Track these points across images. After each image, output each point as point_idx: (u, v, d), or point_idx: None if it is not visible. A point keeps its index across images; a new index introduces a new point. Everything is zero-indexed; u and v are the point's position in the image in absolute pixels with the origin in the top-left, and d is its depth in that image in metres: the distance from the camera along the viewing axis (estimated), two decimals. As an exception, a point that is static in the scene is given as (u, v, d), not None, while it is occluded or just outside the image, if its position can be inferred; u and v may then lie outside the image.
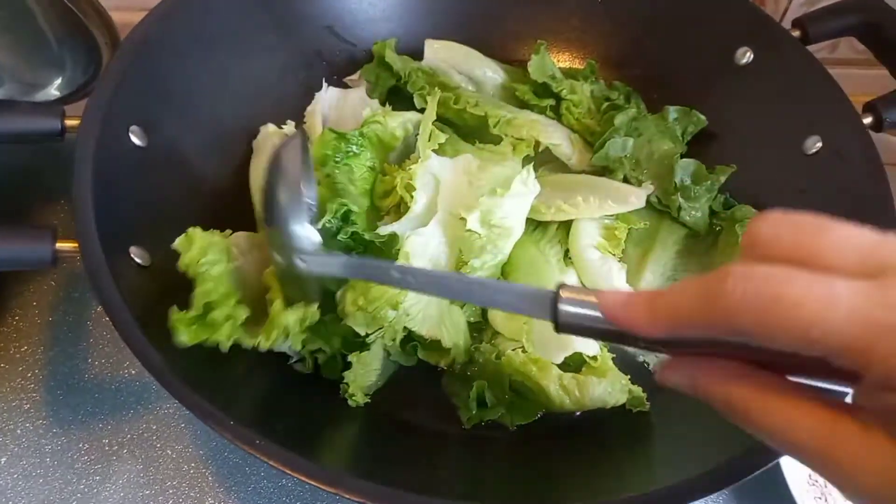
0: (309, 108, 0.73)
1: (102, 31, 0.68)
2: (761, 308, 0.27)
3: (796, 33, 0.70)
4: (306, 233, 0.49)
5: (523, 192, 0.64)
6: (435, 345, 0.60)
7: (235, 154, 0.66)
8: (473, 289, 0.43)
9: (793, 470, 0.63)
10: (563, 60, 0.83)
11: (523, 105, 0.75)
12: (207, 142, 0.67)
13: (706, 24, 0.75)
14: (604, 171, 0.72)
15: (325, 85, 0.74)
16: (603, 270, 0.66)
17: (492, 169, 0.65)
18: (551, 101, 0.75)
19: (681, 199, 0.69)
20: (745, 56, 0.72)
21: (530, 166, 0.66)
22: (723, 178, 0.70)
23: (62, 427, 0.65)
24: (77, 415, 0.66)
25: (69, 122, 0.57)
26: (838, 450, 0.28)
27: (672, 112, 0.73)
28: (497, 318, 0.64)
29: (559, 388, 0.58)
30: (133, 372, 0.69)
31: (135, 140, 0.58)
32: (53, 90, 0.76)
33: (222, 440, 0.65)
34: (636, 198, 0.67)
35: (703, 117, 0.74)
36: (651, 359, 0.65)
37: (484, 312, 0.65)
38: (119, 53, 0.60)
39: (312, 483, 0.43)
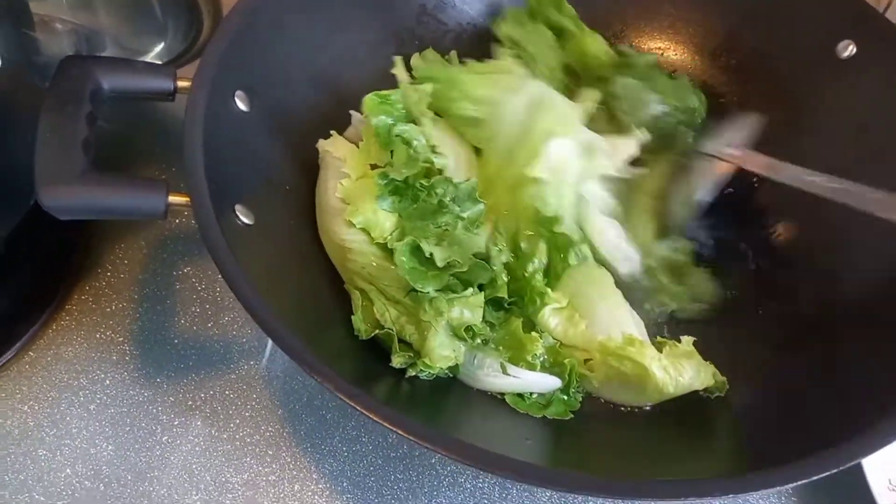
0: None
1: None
2: None
3: (902, 27, 0.69)
4: None
5: None
6: None
7: (330, 124, 0.67)
8: None
9: (875, 474, 0.62)
10: (654, 49, 0.82)
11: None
12: (304, 111, 0.68)
13: (806, 15, 0.73)
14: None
15: None
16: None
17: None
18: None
19: None
20: (848, 49, 0.70)
21: None
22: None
23: (148, 380, 0.68)
24: (162, 369, 0.68)
25: (180, 84, 0.59)
26: None
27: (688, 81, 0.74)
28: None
29: (662, 370, 0.55)
30: (217, 332, 0.71)
31: (240, 105, 0.60)
32: (153, 57, 0.78)
33: (300, 402, 0.67)
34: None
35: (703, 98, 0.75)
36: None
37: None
38: (227, 19, 0.62)
39: (410, 438, 0.43)
